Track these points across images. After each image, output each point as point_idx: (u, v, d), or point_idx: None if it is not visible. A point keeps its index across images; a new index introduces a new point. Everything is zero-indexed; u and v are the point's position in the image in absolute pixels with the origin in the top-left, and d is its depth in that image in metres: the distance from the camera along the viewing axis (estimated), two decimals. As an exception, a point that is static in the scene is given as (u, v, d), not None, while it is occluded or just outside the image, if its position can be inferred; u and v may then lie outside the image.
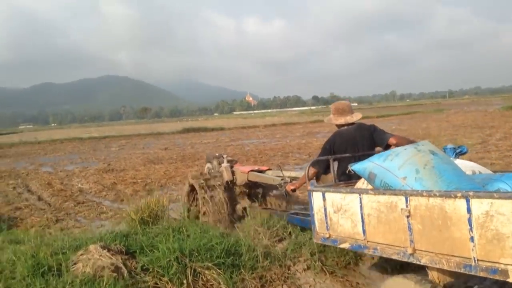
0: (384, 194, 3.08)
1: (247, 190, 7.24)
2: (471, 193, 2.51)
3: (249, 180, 6.68)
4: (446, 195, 2.64)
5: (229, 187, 6.97)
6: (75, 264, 4.45)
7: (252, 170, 6.65)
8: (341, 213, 3.48)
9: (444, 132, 21.71)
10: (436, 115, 43.43)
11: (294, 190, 5.23)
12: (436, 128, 25.59)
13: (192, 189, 7.00)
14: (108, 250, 4.56)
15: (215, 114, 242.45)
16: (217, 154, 7.75)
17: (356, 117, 4.85)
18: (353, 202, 3.35)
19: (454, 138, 17.90)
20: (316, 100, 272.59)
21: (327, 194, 3.64)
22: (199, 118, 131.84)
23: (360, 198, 3.27)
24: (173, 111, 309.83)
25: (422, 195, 2.78)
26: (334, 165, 4.47)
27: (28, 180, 14.73)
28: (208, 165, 7.65)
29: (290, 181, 5.57)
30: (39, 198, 11.26)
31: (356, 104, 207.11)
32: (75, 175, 15.48)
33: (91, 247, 4.58)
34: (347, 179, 4.21)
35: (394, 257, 3.05)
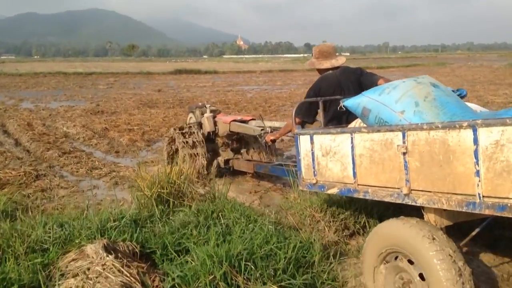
0: (379, 131, 2.82)
1: (229, 142, 6.70)
2: (479, 122, 2.25)
3: (231, 131, 6.33)
4: (450, 126, 2.40)
5: (211, 138, 6.71)
6: (63, 275, 2.82)
7: (234, 120, 6.31)
8: (330, 156, 3.24)
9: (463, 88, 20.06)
10: (439, 69, 41.60)
11: (274, 141, 5.01)
12: (450, 83, 23.91)
13: (172, 141, 6.67)
14: (115, 253, 2.92)
15: (205, 56, 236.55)
16: (200, 103, 7.37)
17: (341, 61, 4.51)
18: (343, 143, 3.10)
19: (480, 95, 16.34)
20: (308, 47, 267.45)
21: (315, 137, 3.38)
22: (188, 59, 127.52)
23: (352, 138, 3.01)
24: (161, 50, 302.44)
25: (422, 129, 2.54)
26: (329, 110, 4.18)
27: (5, 118, 12.83)
28: (190, 115, 7.15)
29: (271, 132, 5.29)
30: (17, 143, 9.49)
31: (349, 54, 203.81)
32: (59, 115, 13.62)
33: (89, 248, 2.93)
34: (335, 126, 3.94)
35: (387, 199, 2.81)
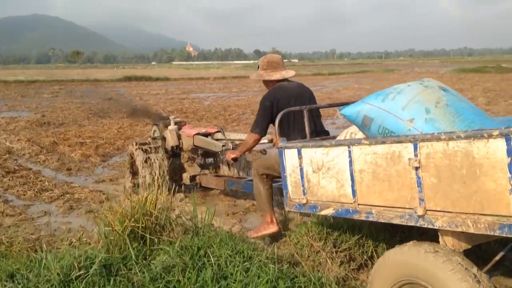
0: (383, 142, 2.44)
1: (195, 156, 6.14)
2: (513, 130, 1.85)
3: (195, 145, 5.79)
4: (475, 135, 2.02)
5: (175, 153, 6.10)
6: None
7: (198, 134, 5.74)
8: (322, 172, 2.88)
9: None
10: (389, 75, 42.43)
11: (235, 159, 4.56)
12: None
13: (132, 158, 6.01)
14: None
15: (153, 63, 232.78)
16: (164, 115, 6.98)
17: (291, 73, 4.25)
18: (339, 157, 2.74)
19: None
20: (258, 54, 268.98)
21: (304, 151, 3.01)
22: (137, 66, 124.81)
23: (350, 151, 2.65)
24: (107, 57, 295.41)
25: (438, 139, 2.16)
26: (289, 123, 3.94)
27: None
28: (154, 128, 6.66)
29: (233, 148, 4.83)
30: (-48, 161, 8.41)
31: (297, 60, 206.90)
32: (0, 128, 12.42)
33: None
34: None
35: (395, 221, 2.41)
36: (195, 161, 6.27)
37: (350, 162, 2.64)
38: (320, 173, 2.90)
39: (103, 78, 40.48)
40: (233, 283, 2.79)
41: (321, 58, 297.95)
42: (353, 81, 34.44)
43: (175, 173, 6.00)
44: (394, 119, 2.61)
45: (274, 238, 4.13)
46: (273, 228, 4.01)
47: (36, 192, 6.30)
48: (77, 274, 2.76)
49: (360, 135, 3.11)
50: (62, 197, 6.11)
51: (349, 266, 3.40)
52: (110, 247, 3.28)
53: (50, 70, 70.34)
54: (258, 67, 4.30)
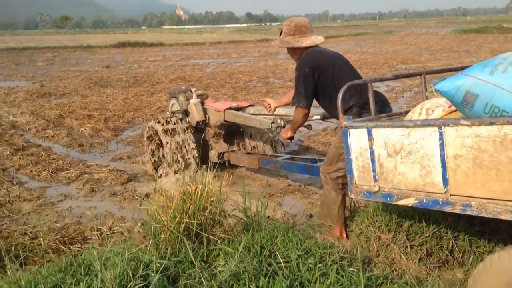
0: (491, 123, 2.02)
1: (222, 132, 5.78)
2: None
3: (225, 121, 5.33)
4: None
5: (200, 128, 5.67)
6: None
7: (229, 108, 5.26)
8: (401, 156, 2.48)
9: (424, 57, 19.75)
10: (389, 37, 41.57)
11: (291, 138, 3.99)
12: (408, 51, 23.64)
13: (153, 134, 5.61)
14: None
15: (143, 27, 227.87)
16: (183, 87, 6.33)
17: (321, 39, 3.73)
18: (425, 139, 2.31)
19: (447, 63, 15.95)
20: (250, 17, 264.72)
21: (376, 131, 2.60)
22: (127, 31, 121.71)
23: (441, 133, 2.21)
24: (96, 22, 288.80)
25: None
26: (331, 95, 3.40)
27: None
28: (173, 101, 6.10)
29: (283, 126, 4.25)
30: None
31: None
32: (0, 99, 11.86)
33: None
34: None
35: (505, 217, 2.01)
36: (220, 136, 5.86)
37: (442, 145, 2.25)
38: (397, 158, 2.52)
39: (96, 44, 39.34)
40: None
41: (314, 20, 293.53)
42: (354, 44, 33.68)
43: (202, 149, 5.59)
44: (508, 95, 2.21)
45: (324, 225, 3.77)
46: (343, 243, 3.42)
47: (52, 172, 5.87)
48: (140, 286, 2.37)
49: (438, 112, 2.70)
50: (81, 177, 5.70)
51: (429, 263, 3.04)
52: (161, 248, 2.89)
53: (39, 36, 68.64)
54: (282, 33, 3.78)
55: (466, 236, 3.13)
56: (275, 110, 4.43)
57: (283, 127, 4.21)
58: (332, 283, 2.48)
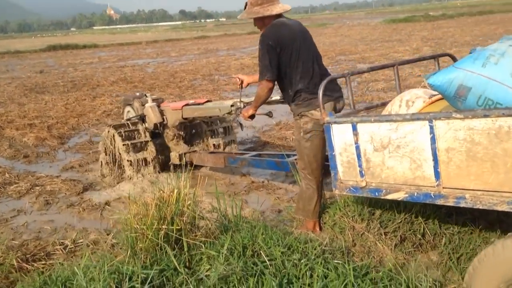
0: (486, 116, 2.08)
1: (182, 133, 5.58)
2: None
3: (184, 118, 5.24)
4: None
5: (158, 133, 5.60)
6: None
7: (186, 104, 5.20)
8: (389, 151, 2.53)
9: (361, 48, 20.32)
10: (324, 30, 42.43)
11: (253, 117, 3.80)
12: (344, 43, 24.24)
13: (110, 143, 5.47)
14: None
15: (73, 29, 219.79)
16: (137, 93, 6.24)
17: (287, 7, 3.53)
18: (415, 133, 2.38)
19: (383, 53, 16.51)
20: (184, 14, 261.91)
21: (361, 126, 2.65)
22: (56, 34, 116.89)
23: (431, 127, 2.28)
24: (21, 25, 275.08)
25: None
26: (291, 75, 3.42)
27: None
28: (128, 108, 6.05)
29: (244, 107, 4.15)
30: None
31: (225, 19, 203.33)
32: None
33: None
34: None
35: (501, 208, 2.10)
36: (180, 138, 5.73)
37: (433, 139, 2.30)
38: (385, 152, 2.57)
39: (25, 49, 37.50)
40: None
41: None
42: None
43: (162, 153, 5.48)
44: (501, 87, 2.22)
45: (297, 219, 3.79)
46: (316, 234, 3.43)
47: (-1, 187, 5.54)
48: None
49: (419, 103, 2.78)
50: (32, 190, 5.41)
51: (405, 248, 3.13)
52: (140, 257, 2.79)
53: (-41, 43, 64.47)
54: (246, 5, 3.53)
55: (435, 220, 3.25)
56: (247, 86, 4.19)
57: (244, 107, 4.09)
58: (320, 276, 2.50)
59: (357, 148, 2.71)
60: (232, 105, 4.34)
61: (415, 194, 2.47)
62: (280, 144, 6.50)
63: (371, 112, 3.35)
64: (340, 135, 2.79)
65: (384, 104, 3.13)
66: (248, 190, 5.00)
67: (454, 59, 3.42)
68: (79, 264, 2.69)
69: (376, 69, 3.58)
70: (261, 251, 2.75)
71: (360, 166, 2.72)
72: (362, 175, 2.73)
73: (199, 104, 5.23)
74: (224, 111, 4.49)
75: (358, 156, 2.71)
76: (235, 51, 24.63)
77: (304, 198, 3.56)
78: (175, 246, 2.85)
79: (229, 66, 16.90)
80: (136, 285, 2.44)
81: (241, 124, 5.32)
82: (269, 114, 4.42)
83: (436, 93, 2.63)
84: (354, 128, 2.68)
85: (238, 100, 4.32)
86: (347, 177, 2.84)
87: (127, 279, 2.44)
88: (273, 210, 4.34)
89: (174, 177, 5.18)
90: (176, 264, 2.61)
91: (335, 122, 2.81)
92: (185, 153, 5.43)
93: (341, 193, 2.95)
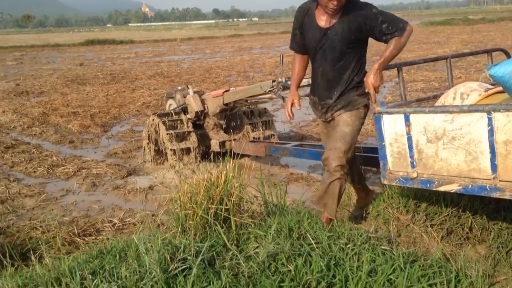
0: None
1: (222, 122, 5.69)
2: None
3: (225, 104, 5.34)
4: None
5: (199, 125, 5.75)
6: None
7: (227, 90, 5.34)
8: (443, 142, 2.52)
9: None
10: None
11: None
12: (380, 43, 23.99)
13: (153, 131, 5.66)
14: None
15: (109, 25, 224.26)
16: (179, 87, 6.42)
17: None
18: (472, 125, 2.35)
19: (421, 55, 16.31)
20: (217, 13, 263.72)
21: (414, 117, 2.62)
22: (92, 29, 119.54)
23: (490, 119, 2.25)
24: (59, 20, 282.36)
25: None
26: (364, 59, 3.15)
27: None
28: (170, 101, 6.27)
29: (285, 81, 4.31)
30: None
31: (257, 18, 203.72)
32: (-25, 99, 11.52)
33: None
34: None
35: None
36: (220, 127, 5.84)
37: (491, 131, 2.28)
38: (439, 144, 2.55)
39: (64, 43, 38.63)
40: (352, 270, 2.51)
41: (281, 15, 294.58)
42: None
43: (202, 143, 5.62)
44: None
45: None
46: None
47: (48, 168, 5.80)
48: (180, 269, 2.41)
49: (474, 96, 2.81)
50: (79, 172, 5.64)
51: (451, 241, 3.16)
52: (189, 234, 2.92)
53: (2, 36, 66.71)
54: None
55: (483, 215, 3.26)
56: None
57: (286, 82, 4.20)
58: (368, 260, 2.56)
59: (409, 139, 2.70)
60: (273, 81, 4.47)
61: (470, 187, 2.46)
62: (319, 138, 6.56)
63: (423, 104, 3.37)
64: (391, 126, 2.78)
65: (436, 97, 3.15)
66: (288, 181, 5.09)
67: (507, 54, 3.43)
68: (133, 237, 2.83)
69: (428, 61, 3.61)
70: (307, 234, 2.84)
71: (411, 157, 2.72)
72: (413, 166, 2.72)
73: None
74: (266, 88, 4.60)
75: (410, 147, 2.71)
76: (268, 50, 24.76)
77: (329, 194, 3.22)
78: (223, 225, 2.96)
79: (263, 64, 17.02)
80: (189, 257, 2.56)
81: (283, 98, 5.32)
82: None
83: (492, 86, 2.66)
84: (407, 119, 2.68)
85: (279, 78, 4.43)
86: (396, 167, 2.83)
87: (181, 250, 2.56)
88: (313, 201, 4.42)
89: (214, 166, 5.45)
90: (226, 240, 2.72)
91: (386, 112, 2.82)
92: (225, 141, 5.56)
93: (390, 183, 2.93)
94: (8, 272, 2.59)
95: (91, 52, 29.68)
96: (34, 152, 6.52)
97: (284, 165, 5.60)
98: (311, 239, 2.78)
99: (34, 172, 5.72)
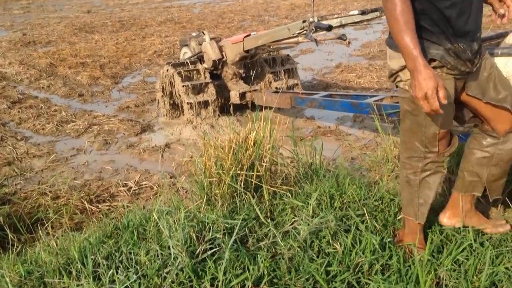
0: None
1: (241, 71, 5.21)
2: None
3: (245, 52, 4.80)
4: None
5: (217, 74, 5.28)
6: None
7: (248, 35, 4.75)
8: None
9: None
10: None
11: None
12: None
13: (168, 83, 5.17)
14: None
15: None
16: (194, 33, 5.74)
17: None
18: None
19: None
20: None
21: None
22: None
23: None
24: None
25: None
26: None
27: None
28: (185, 50, 5.73)
29: (318, 20, 3.83)
30: None
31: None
32: (-20, 50, 11.10)
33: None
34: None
35: None
36: (240, 76, 5.36)
37: None
38: None
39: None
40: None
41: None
42: None
43: (221, 95, 5.18)
44: None
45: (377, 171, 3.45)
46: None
47: (57, 125, 5.43)
48: (210, 253, 2.05)
49: None
50: (90, 129, 5.27)
51: None
52: (215, 205, 2.56)
53: (8, -17, 65.09)
54: None
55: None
56: None
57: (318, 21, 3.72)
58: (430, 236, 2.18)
59: None
60: (304, 21, 3.93)
61: None
62: (344, 87, 6.08)
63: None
64: None
65: (501, 36, 2.59)
66: (315, 135, 4.66)
67: None
68: (152, 212, 2.47)
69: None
70: (350, 205, 2.45)
71: None
72: None
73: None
74: (295, 30, 4.06)
75: None
76: (282, -8, 23.64)
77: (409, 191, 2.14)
78: (254, 194, 2.59)
79: (278, 7, 16.18)
80: (218, 236, 2.20)
81: (316, 40, 4.79)
82: (343, 38, 4.00)
83: None
84: None
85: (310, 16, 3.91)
86: None
87: (210, 229, 2.20)
88: (345, 158, 4.01)
89: (234, 120, 5.03)
90: (260, 214, 2.35)
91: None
92: (245, 92, 5.11)
93: None
94: (11, 256, 2.26)
95: (98, -2, 28.73)
96: (42, 107, 6.15)
97: (310, 117, 5.16)
98: (356, 210, 2.40)
99: (43, 129, 5.36)
